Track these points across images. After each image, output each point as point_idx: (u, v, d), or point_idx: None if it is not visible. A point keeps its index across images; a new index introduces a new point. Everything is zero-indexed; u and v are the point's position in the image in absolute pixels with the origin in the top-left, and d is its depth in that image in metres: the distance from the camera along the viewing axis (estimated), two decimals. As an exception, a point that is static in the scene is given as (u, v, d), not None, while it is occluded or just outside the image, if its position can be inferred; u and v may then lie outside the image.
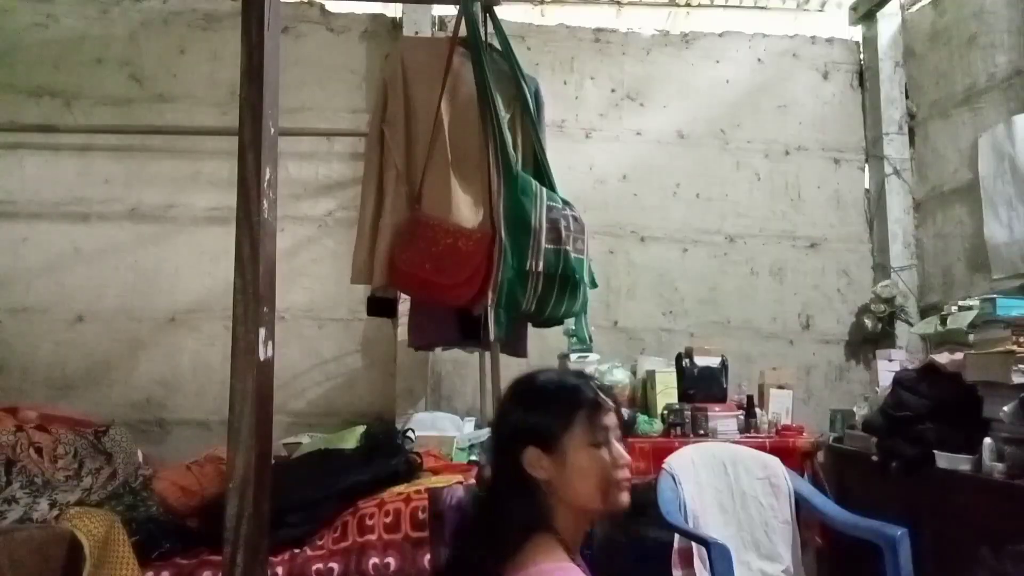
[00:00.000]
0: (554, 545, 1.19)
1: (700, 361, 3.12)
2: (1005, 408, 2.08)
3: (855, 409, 3.02)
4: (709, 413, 2.93)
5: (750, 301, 3.68)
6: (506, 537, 1.20)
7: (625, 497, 1.24)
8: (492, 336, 2.24)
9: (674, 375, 3.10)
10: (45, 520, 2.00)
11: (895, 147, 3.67)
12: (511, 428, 1.27)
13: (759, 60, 3.81)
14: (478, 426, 2.98)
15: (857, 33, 3.89)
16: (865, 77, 3.82)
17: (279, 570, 2.13)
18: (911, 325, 3.46)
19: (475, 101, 2.38)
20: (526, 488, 1.21)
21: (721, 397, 3.08)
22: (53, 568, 1.87)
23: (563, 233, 2.30)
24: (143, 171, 3.45)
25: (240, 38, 1.10)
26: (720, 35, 3.81)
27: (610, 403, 1.26)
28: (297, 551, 2.19)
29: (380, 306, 2.68)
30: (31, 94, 3.41)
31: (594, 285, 2.72)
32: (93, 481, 2.31)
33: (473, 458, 2.68)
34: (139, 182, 3.44)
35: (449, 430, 2.91)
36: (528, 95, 2.50)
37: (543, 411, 1.25)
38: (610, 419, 1.25)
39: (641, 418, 2.96)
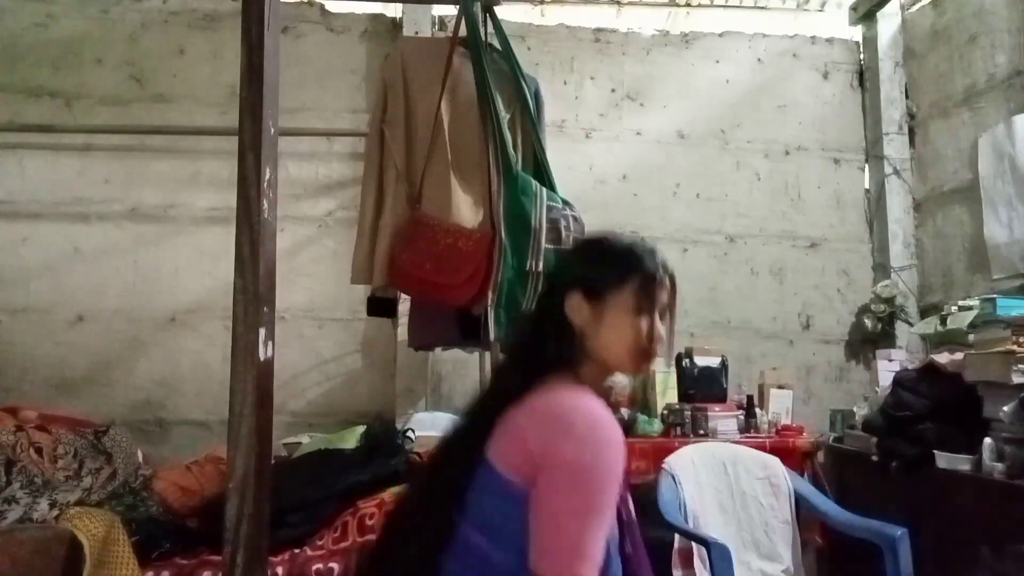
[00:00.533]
0: (573, 382, 1.24)
1: (700, 361, 3.12)
2: (1005, 408, 2.08)
3: (855, 409, 3.03)
4: (709, 413, 2.93)
5: (750, 301, 3.68)
6: (533, 369, 1.25)
7: (648, 366, 1.31)
8: (492, 336, 2.24)
9: (674, 375, 3.10)
10: (45, 520, 2.00)
11: (895, 147, 3.67)
12: (564, 271, 1.38)
13: (759, 60, 3.81)
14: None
15: (857, 33, 3.89)
16: (865, 77, 3.82)
17: (279, 570, 2.13)
18: (911, 325, 3.46)
19: (475, 101, 2.38)
20: (562, 330, 1.27)
21: (721, 397, 3.08)
22: (53, 568, 1.87)
23: (563, 233, 2.30)
24: (143, 171, 3.45)
25: (240, 38, 1.10)
26: (720, 35, 3.81)
27: (668, 282, 1.30)
28: (297, 551, 2.19)
29: (380, 306, 2.68)
30: (31, 94, 3.40)
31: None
32: (93, 481, 2.32)
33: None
34: (139, 182, 3.44)
35: (449, 430, 2.90)
36: (528, 95, 2.50)
37: (600, 264, 1.31)
38: (662, 296, 1.29)
39: (641, 418, 2.96)
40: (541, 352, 1.27)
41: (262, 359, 1.07)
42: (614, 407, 1.97)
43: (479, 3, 2.45)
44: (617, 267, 1.29)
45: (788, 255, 3.72)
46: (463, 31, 2.43)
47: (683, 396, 3.05)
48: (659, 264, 1.30)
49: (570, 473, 1.10)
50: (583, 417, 1.15)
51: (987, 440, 2.14)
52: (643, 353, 1.27)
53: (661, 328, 1.28)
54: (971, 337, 2.48)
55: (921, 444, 2.36)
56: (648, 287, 1.27)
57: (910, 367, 2.75)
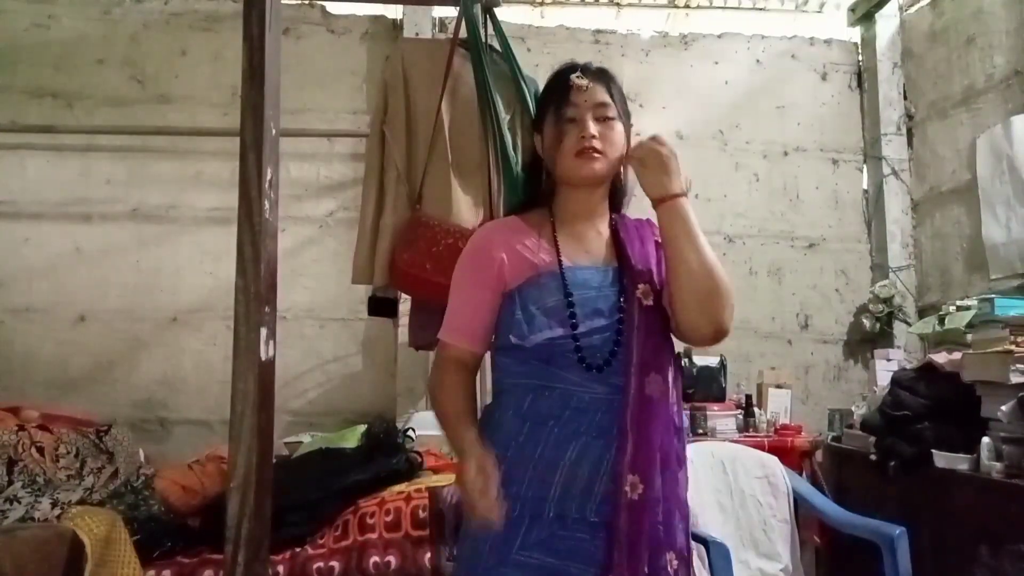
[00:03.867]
0: (538, 212, 1.42)
1: (699, 360, 3.13)
2: (1003, 407, 2.09)
3: (853, 408, 3.03)
4: (708, 412, 2.94)
5: (749, 301, 3.68)
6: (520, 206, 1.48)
7: (587, 167, 1.36)
8: (492, 336, 2.24)
9: (673, 375, 3.10)
10: (47, 519, 2.01)
11: (893, 148, 3.68)
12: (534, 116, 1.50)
13: (758, 61, 3.81)
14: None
15: (855, 34, 3.90)
16: (863, 78, 3.83)
17: (280, 569, 2.14)
18: (909, 325, 3.47)
19: (475, 102, 2.39)
20: (536, 168, 1.45)
21: (720, 396, 3.09)
22: (55, 567, 1.88)
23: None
24: (145, 172, 3.46)
25: (241, 39, 1.10)
26: (719, 36, 3.82)
27: (584, 83, 1.37)
28: (298, 550, 2.20)
29: (381, 306, 2.68)
30: (32, 95, 3.42)
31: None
32: (95, 480, 2.32)
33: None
34: (141, 183, 3.45)
35: (449, 430, 2.91)
36: (528, 96, 2.50)
37: (540, 98, 1.47)
38: (582, 95, 1.36)
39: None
40: (526, 193, 1.50)
41: (263, 359, 1.07)
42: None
43: (479, 4, 2.46)
44: (545, 92, 1.44)
45: (787, 255, 3.73)
46: (463, 32, 2.44)
47: (682, 395, 3.06)
48: (572, 71, 1.38)
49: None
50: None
51: (985, 439, 2.14)
52: (579, 152, 1.34)
53: (590, 125, 1.35)
54: (969, 337, 2.49)
55: (919, 443, 2.36)
56: (566, 95, 1.36)
57: (908, 367, 2.76)
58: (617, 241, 1.42)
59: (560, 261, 1.35)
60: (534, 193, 1.46)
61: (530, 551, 1.24)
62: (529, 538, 1.25)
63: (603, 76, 1.41)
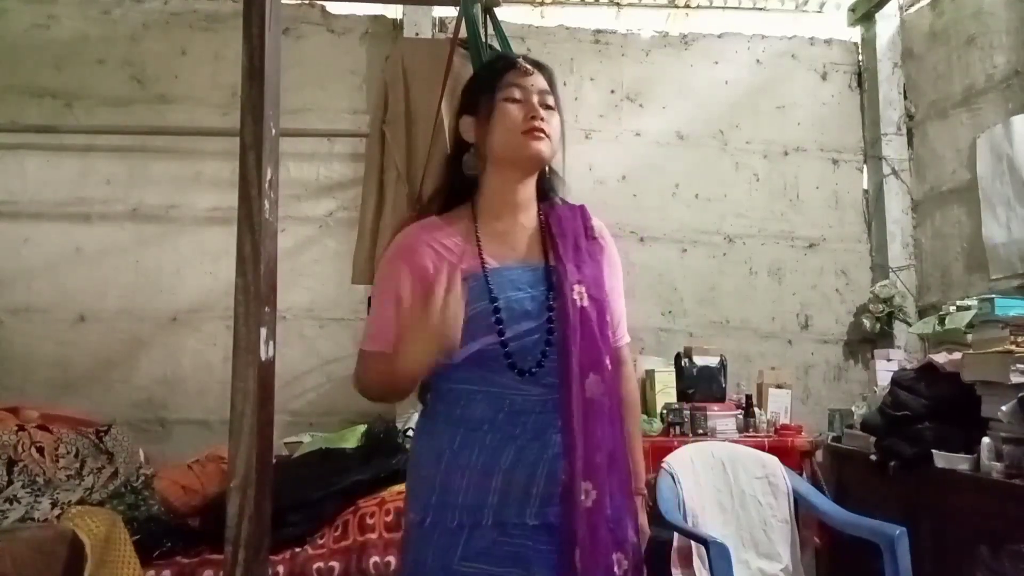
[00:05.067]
0: (459, 210, 1.38)
1: (699, 361, 3.13)
2: (1003, 407, 2.09)
3: (853, 409, 3.03)
4: (708, 412, 2.94)
5: (749, 301, 3.69)
6: (442, 201, 1.42)
7: (535, 146, 1.32)
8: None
9: (673, 375, 3.11)
10: (47, 519, 2.01)
11: (894, 148, 3.68)
12: (458, 105, 1.45)
13: (758, 61, 3.81)
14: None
15: (856, 34, 3.89)
16: (864, 78, 3.83)
17: (280, 569, 2.14)
18: (909, 325, 3.47)
19: (475, 102, 2.39)
20: (460, 157, 1.39)
21: (720, 397, 3.09)
22: (55, 567, 1.88)
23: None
24: (144, 171, 3.46)
25: (241, 39, 1.10)
26: (719, 36, 3.82)
27: (529, 68, 1.37)
28: (298, 550, 2.20)
29: (380, 306, 2.68)
30: (32, 95, 3.41)
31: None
32: (95, 480, 2.32)
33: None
34: (140, 182, 3.45)
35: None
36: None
37: (473, 82, 1.46)
38: (529, 80, 1.35)
39: (640, 417, 2.97)
40: (447, 186, 1.42)
41: (263, 359, 1.07)
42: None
43: (479, 4, 2.46)
44: (485, 75, 1.42)
45: (787, 255, 3.73)
46: (463, 32, 2.44)
47: (682, 395, 3.06)
48: (516, 58, 1.40)
49: None
50: None
51: (985, 439, 2.14)
52: (527, 132, 1.31)
53: (536, 106, 1.33)
54: (969, 337, 2.49)
55: (919, 443, 2.37)
56: (512, 77, 1.35)
57: (908, 367, 2.76)
58: (547, 236, 1.37)
59: (484, 263, 1.30)
60: (458, 185, 1.39)
61: (472, 561, 1.22)
62: (470, 548, 1.23)
63: (544, 68, 1.39)
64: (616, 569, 1.26)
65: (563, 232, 1.37)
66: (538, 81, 1.35)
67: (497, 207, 1.36)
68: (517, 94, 1.33)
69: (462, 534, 1.23)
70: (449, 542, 1.23)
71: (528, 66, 1.36)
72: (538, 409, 1.26)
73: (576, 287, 1.30)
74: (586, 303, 1.30)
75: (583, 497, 1.23)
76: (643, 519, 1.45)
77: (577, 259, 1.34)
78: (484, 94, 1.35)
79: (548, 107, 1.34)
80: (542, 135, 1.31)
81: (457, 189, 1.40)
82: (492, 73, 1.38)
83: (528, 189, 1.38)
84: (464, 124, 1.38)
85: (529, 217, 1.38)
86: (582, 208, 1.44)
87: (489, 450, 1.25)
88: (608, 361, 1.32)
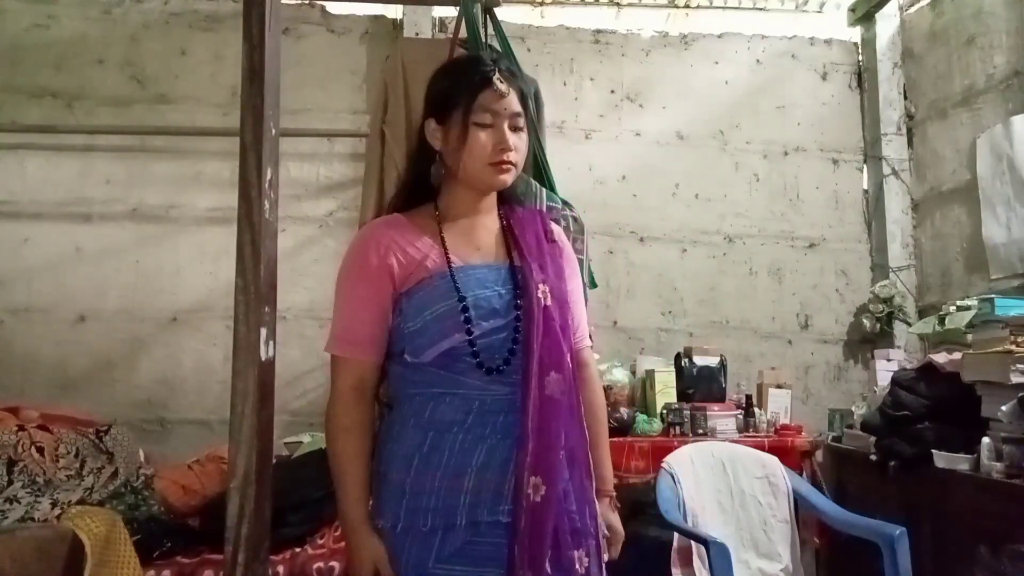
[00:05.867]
0: (422, 209, 1.36)
1: (699, 361, 3.13)
2: (1003, 407, 2.09)
3: (853, 409, 3.04)
4: (708, 412, 2.94)
5: (749, 301, 3.69)
6: (403, 200, 1.40)
7: (501, 178, 1.32)
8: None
9: (673, 375, 3.11)
10: (47, 519, 2.00)
11: (894, 148, 3.68)
12: (426, 98, 1.39)
13: (758, 61, 3.81)
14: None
15: (856, 34, 3.90)
16: (864, 78, 3.83)
17: (280, 569, 2.14)
18: (909, 325, 3.47)
19: (475, 102, 2.39)
20: (425, 157, 1.36)
21: (720, 397, 3.09)
22: (54, 567, 1.88)
23: (562, 233, 2.30)
24: (144, 172, 3.45)
25: (241, 39, 1.10)
26: (719, 36, 3.82)
27: (504, 88, 1.30)
28: (298, 550, 2.20)
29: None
30: (32, 95, 3.41)
31: (593, 285, 2.73)
32: (95, 480, 2.32)
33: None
34: (140, 182, 3.44)
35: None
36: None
37: (444, 85, 1.35)
38: (503, 104, 1.30)
39: (640, 417, 2.97)
40: (410, 183, 1.40)
41: (263, 359, 1.07)
42: (612, 406, 1.97)
43: (479, 4, 2.46)
44: (456, 83, 1.32)
45: (787, 255, 3.73)
46: (463, 32, 2.44)
47: (682, 395, 3.06)
48: (494, 70, 1.31)
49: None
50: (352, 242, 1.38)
51: (985, 439, 2.14)
52: (493, 164, 1.30)
53: (507, 135, 1.29)
54: (969, 337, 2.49)
55: (919, 443, 2.37)
56: (485, 98, 1.28)
57: (908, 367, 2.76)
58: (509, 236, 1.38)
59: (449, 261, 1.30)
60: (422, 186, 1.38)
61: (446, 563, 1.23)
62: (444, 550, 1.23)
63: (515, 80, 1.34)
64: (577, 566, 1.27)
65: (524, 233, 1.38)
66: (511, 103, 1.30)
67: (460, 210, 1.37)
68: (488, 119, 1.29)
69: (436, 536, 1.24)
70: (423, 545, 1.24)
71: (503, 88, 1.29)
72: (507, 408, 1.27)
73: (541, 286, 1.31)
74: (549, 302, 1.31)
75: (531, 491, 1.23)
76: (614, 520, 1.46)
77: (540, 259, 1.35)
78: (454, 108, 1.30)
79: (518, 128, 1.32)
80: (509, 167, 1.31)
81: (421, 189, 1.39)
82: (466, 87, 1.30)
83: (490, 198, 1.40)
84: (430, 130, 1.35)
85: (491, 218, 1.40)
86: (541, 212, 1.46)
87: (460, 451, 1.25)
88: (569, 360, 1.33)
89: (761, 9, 3.90)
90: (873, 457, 2.58)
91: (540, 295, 1.30)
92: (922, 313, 3.50)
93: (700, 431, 2.91)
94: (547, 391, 1.27)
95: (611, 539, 1.44)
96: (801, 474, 2.78)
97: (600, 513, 1.39)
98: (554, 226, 1.47)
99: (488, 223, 1.39)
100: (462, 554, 1.23)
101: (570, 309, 1.39)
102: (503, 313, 1.29)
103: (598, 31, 3.77)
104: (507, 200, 1.43)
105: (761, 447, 2.77)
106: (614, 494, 1.48)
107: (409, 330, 1.29)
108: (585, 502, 1.33)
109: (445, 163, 1.35)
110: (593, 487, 1.37)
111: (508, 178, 1.32)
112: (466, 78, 1.31)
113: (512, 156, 1.30)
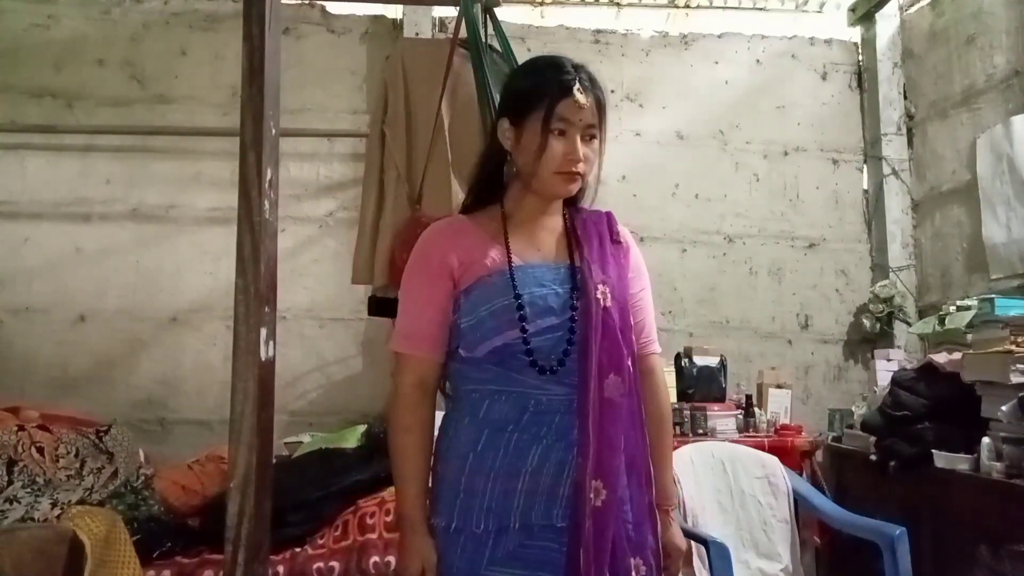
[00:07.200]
0: (488, 210, 1.37)
1: (699, 361, 3.13)
2: (1003, 407, 2.09)
3: (853, 409, 3.04)
4: (708, 412, 2.94)
5: (749, 301, 3.69)
6: (473, 198, 1.41)
7: (567, 188, 1.32)
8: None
9: (673, 375, 3.11)
10: (47, 519, 2.01)
11: (894, 148, 3.68)
12: (501, 96, 1.41)
13: (758, 61, 3.81)
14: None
15: (856, 34, 3.90)
16: (864, 78, 3.83)
17: (280, 569, 2.14)
18: (909, 325, 3.47)
19: (475, 102, 2.39)
20: (496, 155, 1.36)
21: (720, 396, 3.09)
22: (54, 567, 1.88)
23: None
24: (144, 171, 3.46)
25: (241, 39, 1.10)
26: (719, 36, 3.82)
27: (583, 100, 1.28)
28: (298, 550, 2.20)
29: (381, 306, 2.69)
30: (32, 95, 3.42)
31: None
32: (95, 480, 2.32)
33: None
34: (140, 182, 3.45)
35: (449, 430, 2.91)
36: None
37: (523, 87, 1.35)
38: (579, 113, 1.28)
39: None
40: (480, 183, 1.40)
41: (263, 359, 1.07)
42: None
43: (479, 4, 2.46)
44: (535, 85, 1.31)
45: (787, 255, 3.73)
46: (463, 32, 2.44)
47: (682, 395, 3.06)
48: (575, 77, 1.29)
49: None
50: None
51: (985, 439, 2.14)
52: (561, 174, 1.29)
53: (579, 146, 1.28)
54: (969, 337, 2.49)
55: (919, 443, 2.37)
56: (561, 105, 1.27)
57: (908, 367, 2.76)
58: (572, 237, 1.37)
59: (510, 259, 1.30)
60: (491, 187, 1.39)
61: (499, 566, 1.22)
62: (497, 552, 1.22)
63: (595, 88, 1.32)
64: (634, 574, 1.25)
65: (588, 234, 1.37)
66: (587, 114, 1.29)
67: (526, 212, 1.37)
68: (563, 127, 1.28)
69: (489, 538, 1.23)
70: (476, 547, 1.23)
71: (582, 99, 1.27)
72: (563, 409, 1.26)
73: (600, 287, 1.30)
74: (609, 303, 1.29)
75: (592, 495, 1.22)
76: (673, 536, 1.41)
77: (602, 260, 1.34)
78: (531, 112, 1.28)
79: (592, 138, 1.31)
80: (576, 177, 1.30)
81: (490, 188, 1.39)
82: (548, 92, 1.28)
83: (556, 201, 1.39)
84: (503, 130, 1.34)
85: (555, 220, 1.39)
86: (608, 214, 1.44)
87: (514, 451, 1.25)
88: (630, 363, 1.31)
89: (761, 9, 3.90)
90: (873, 457, 2.58)
91: (599, 295, 1.29)
92: (922, 313, 3.50)
93: (700, 431, 2.91)
94: (606, 394, 1.26)
95: (668, 554, 1.40)
96: (801, 474, 2.78)
97: (660, 528, 1.36)
98: (622, 228, 1.45)
99: (552, 224, 1.38)
100: (515, 557, 1.22)
101: (633, 312, 1.36)
102: (558, 312, 1.28)
103: (598, 31, 3.77)
104: (573, 201, 1.42)
105: (761, 447, 2.77)
106: (672, 506, 1.45)
107: (465, 325, 1.29)
108: (643, 510, 1.31)
109: (513, 160, 1.35)
110: (652, 496, 1.35)
111: (574, 188, 1.33)
112: (546, 84, 1.29)
113: (581, 167, 1.29)
